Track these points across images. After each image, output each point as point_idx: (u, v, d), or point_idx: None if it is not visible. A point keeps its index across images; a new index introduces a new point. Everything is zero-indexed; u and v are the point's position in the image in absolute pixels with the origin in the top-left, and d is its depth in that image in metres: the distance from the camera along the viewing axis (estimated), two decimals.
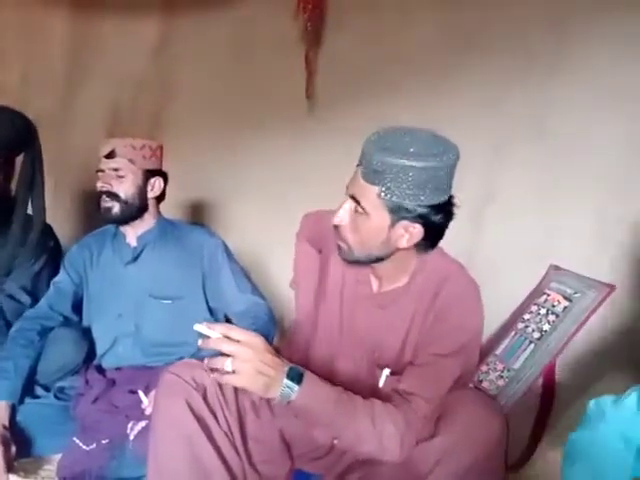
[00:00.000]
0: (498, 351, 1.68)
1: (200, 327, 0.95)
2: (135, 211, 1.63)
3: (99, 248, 1.72)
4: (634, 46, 1.65)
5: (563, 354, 1.58)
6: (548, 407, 1.58)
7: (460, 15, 1.98)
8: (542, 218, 1.79)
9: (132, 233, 1.68)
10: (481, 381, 1.64)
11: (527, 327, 1.66)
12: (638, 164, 1.65)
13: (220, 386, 1.16)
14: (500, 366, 1.64)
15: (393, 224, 1.02)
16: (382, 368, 1.14)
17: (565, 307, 1.62)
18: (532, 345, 1.61)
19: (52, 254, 1.77)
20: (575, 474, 0.96)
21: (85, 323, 1.70)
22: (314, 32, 2.31)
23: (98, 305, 1.68)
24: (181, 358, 1.33)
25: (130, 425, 1.42)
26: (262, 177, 2.47)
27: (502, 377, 1.61)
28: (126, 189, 1.60)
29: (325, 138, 2.26)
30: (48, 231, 1.79)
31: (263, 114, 2.43)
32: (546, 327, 1.62)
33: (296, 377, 0.97)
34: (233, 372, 0.93)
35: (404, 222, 1.02)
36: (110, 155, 1.59)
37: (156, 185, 1.66)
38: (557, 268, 1.73)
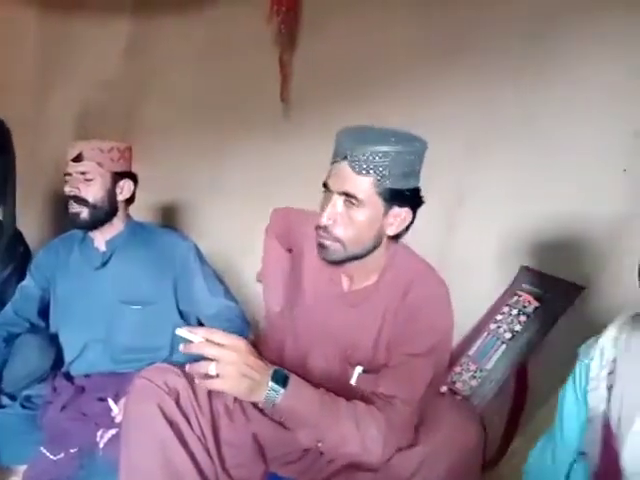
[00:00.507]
0: (471, 352, 1.70)
1: (182, 331, 0.94)
2: (104, 215, 1.61)
3: (67, 252, 1.69)
4: (624, 45, 1.68)
5: (535, 353, 1.61)
6: (520, 406, 1.60)
7: (445, 14, 1.99)
8: (514, 219, 1.82)
9: (101, 237, 1.65)
10: (454, 382, 1.66)
11: (499, 328, 1.68)
12: (616, 165, 1.67)
13: (193, 390, 1.15)
14: (473, 367, 1.66)
15: (386, 211, 1.07)
16: (354, 366, 1.14)
17: (536, 307, 1.64)
18: (504, 345, 1.63)
19: (21, 260, 1.75)
20: None
21: (52, 329, 1.66)
22: (288, 35, 2.31)
23: (66, 311, 1.65)
24: (152, 364, 1.30)
25: (100, 433, 1.40)
26: (236, 180, 2.45)
27: (475, 377, 1.63)
28: (94, 193, 1.57)
29: (301, 141, 2.26)
30: (18, 237, 1.77)
31: (238, 116, 2.41)
32: (517, 327, 1.64)
33: (281, 380, 0.97)
34: (217, 376, 0.92)
35: (396, 208, 1.07)
36: (77, 158, 1.56)
37: (125, 188, 1.63)
38: (528, 269, 1.76)
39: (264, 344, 1.31)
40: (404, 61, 2.07)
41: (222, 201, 2.48)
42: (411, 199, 1.09)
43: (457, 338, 1.75)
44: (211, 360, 0.92)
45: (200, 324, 1.66)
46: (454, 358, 1.69)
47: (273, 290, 1.28)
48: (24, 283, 1.67)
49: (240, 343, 0.95)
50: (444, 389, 1.62)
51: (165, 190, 2.55)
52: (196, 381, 0.95)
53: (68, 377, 1.60)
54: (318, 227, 1.09)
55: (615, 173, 1.62)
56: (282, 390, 0.96)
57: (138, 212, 1.75)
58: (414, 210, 1.10)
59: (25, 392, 1.55)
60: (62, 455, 1.39)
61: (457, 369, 1.68)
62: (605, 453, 0.87)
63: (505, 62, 1.85)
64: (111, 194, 1.60)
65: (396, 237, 1.14)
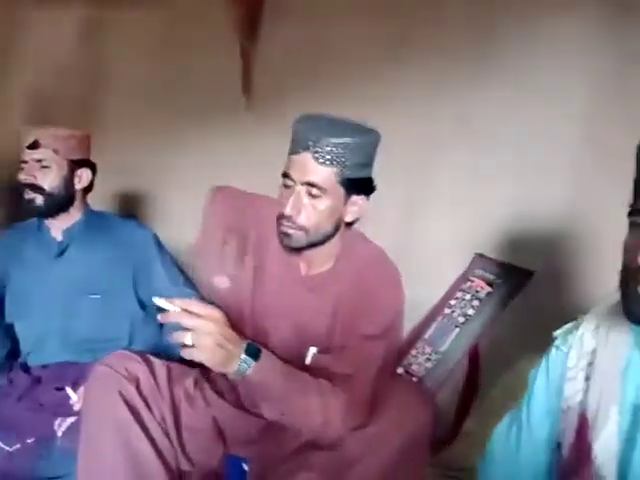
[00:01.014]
0: (426, 335, 1.76)
1: (160, 301, 0.94)
2: (61, 203, 1.58)
3: (21, 242, 1.65)
4: (560, 45, 1.76)
5: (487, 335, 1.68)
6: (473, 387, 1.67)
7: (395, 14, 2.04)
8: (469, 212, 1.89)
9: (57, 226, 1.62)
10: (411, 364, 1.71)
11: (453, 312, 1.75)
12: (555, 161, 1.77)
13: (154, 377, 1.16)
14: (428, 349, 1.72)
15: (346, 200, 1.12)
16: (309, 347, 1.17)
17: (488, 292, 1.71)
18: (457, 329, 1.70)
19: None
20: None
21: (7, 320, 1.63)
22: (249, 24, 2.29)
23: (22, 302, 1.61)
24: None
25: (57, 422, 1.38)
26: (198, 169, 2.43)
27: (430, 360, 1.69)
28: (51, 181, 1.55)
29: (263, 131, 2.25)
30: None
31: (197, 103, 2.38)
32: (470, 312, 1.71)
33: (253, 352, 0.99)
34: (192, 346, 0.93)
35: (354, 197, 1.12)
36: (33, 145, 1.53)
37: (83, 176, 1.61)
38: (482, 256, 1.83)
39: None
40: (357, 55, 2.11)
41: (181, 190, 2.45)
42: (367, 187, 1.14)
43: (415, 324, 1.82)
44: (188, 330, 0.93)
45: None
46: (411, 341, 1.75)
47: (218, 264, 1.25)
48: None
49: (217, 314, 0.96)
50: (400, 371, 1.68)
51: (124, 179, 2.51)
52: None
53: (25, 368, 1.58)
54: (281, 216, 1.11)
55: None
56: (254, 363, 0.98)
57: (96, 201, 1.73)
58: (368, 197, 1.16)
59: None
60: (18, 446, 1.37)
61: (413, 352, 1.74)
62: (577, 443, 0.87)
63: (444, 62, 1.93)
64: (68, 182, 1.58)
65: (351, 224, 1.18)
